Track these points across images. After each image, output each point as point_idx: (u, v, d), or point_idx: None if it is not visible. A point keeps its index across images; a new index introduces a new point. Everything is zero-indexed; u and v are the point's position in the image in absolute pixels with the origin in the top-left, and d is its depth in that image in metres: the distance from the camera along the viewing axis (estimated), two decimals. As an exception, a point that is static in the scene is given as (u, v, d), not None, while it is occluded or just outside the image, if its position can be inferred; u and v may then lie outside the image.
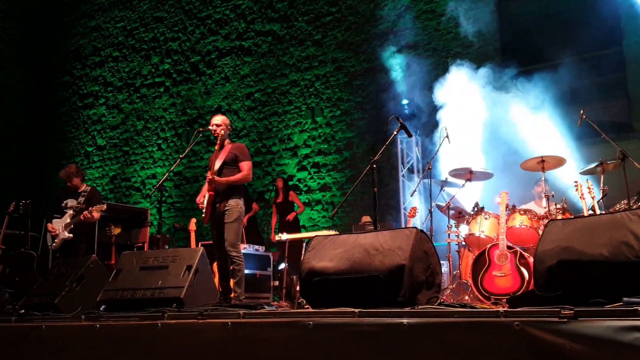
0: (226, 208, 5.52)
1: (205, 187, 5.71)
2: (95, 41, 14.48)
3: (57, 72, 15.02)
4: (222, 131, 5.77)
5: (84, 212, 6.46)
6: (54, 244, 6.60)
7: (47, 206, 7.19)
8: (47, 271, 5.84)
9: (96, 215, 6.59)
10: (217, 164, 5.60)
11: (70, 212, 6.61)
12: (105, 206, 6.64)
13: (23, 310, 4.48)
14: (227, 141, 5.83)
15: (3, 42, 14.21)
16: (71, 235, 6.52)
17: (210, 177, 5.49)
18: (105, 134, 13.77)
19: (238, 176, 5.60)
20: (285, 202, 9.31)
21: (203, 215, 5.58)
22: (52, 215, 6.75)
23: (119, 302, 4.45)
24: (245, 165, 5.66)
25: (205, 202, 5.53)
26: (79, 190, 6.81)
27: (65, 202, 6.74)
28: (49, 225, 6.66)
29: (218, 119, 5.84)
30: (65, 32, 15.14)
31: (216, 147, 5.81)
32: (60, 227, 6.57)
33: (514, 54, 9.23)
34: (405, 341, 2.71)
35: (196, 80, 12.55)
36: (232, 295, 5.52)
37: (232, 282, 5.59)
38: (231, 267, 5.56)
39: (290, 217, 9.15)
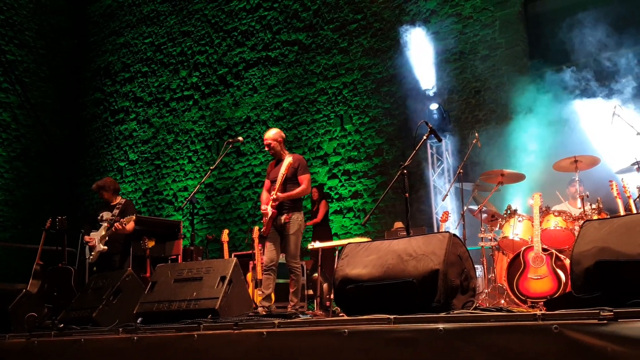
0: (288, 221, 5.67)
1: (263, 197, 5.89)
2: (124, 57, 14.77)
3: (88, 89, 15.37)
4: (275, 147, 5.87)
5: (115, 225, 6.57)
6: (91, 257, 6.73)
7: (85, 220, 7.33)
8: (85, 285, 5.94)
9: (129, 227, 6.69)
10: (279, 180, 5.70)
11: (105, 224, 6.73)
12: (134, 216, 6.74)
13: (62, 325, 4.56)
14: (285, 153, 5.93)
15: (36, 62, 14.60)
16: (106, 247, 6.64)
17: (274, 196, 5.63)
18: (137, 149, 14.00)
19: (297, 191, 5.75)
20: (316, 212, 9.35)
21: (264, 227, 5.75)
22: (90, 228, 6.89)
23: (155, 314, 4.50)
24: (305, 179, 5.80)
25: (268, 214, 5.66)
26: (114, 203, 6.94)
27: (101, 214, 6.88)
28: (86, 236, 6.79)
29: (269, 134, 5.97)
30: (95, 50, 15.49)
31: (275, 160, 5.98)
32: (96, 239, 6.70)
33: (541, 54, 9.12)
34: (442, 347, 2.68)
35: (224, 92, 12.69)
36: (289, 304, 5.75)
37: (290, 292, 5.78)
38: (290, 277, 5.75)
39: (319, 218, 9.18)
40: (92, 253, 6.72)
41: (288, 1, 12.03)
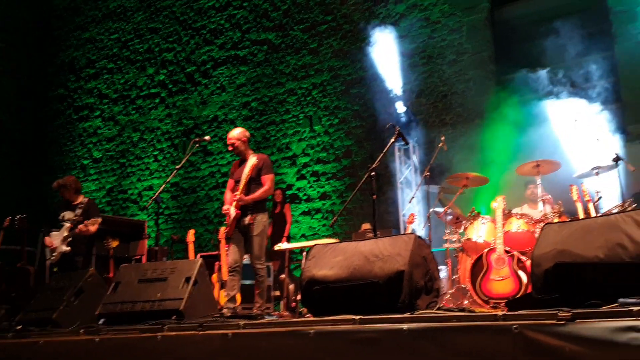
0: (252, 222, 5.60)
1: (227, 197, 5.78)
2: (89, 53, 14.52)
3: (52, 85, 15.05)
4: (239, 146, 5.80)
5: (79, 226, 6.44)
6: (53, 258, 6.57)
7: (45, 220, 7.16)
8: (45, 286, 5.82)
9: (92, 228, 6.55)
10: (243, 181, 5.63)
11: (68, 224, 6.57)
12: (100, 219, 6.63)
13: (20, 326, 4.47)
14: (250, 153, 5.85)
15: (-4, 55, 14.23)
16: (69, 248, 6.49)
17: (238, 197, 5.55)
18: (102, 147, 13.77)
19: (260, 192, 5.66)
20: (280, 215, 9.32)
21: (227, 227, 5.66)
22: (50, 228, 6.73)
23: (118, 315, 4.45)
24: (268, 179, 5.71)
25: (232, 215, 5.58)
26: (76, 203, 6.77)
27: (62, 214, 6.70)
28: (47, 238, 6.61)
29: (233, 133, 5.85)
30: (59, 45, 15.18)
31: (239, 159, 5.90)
32: (58, 240, 6.54)
33: (507, 60, 9.29)
34: (406, 346, 2.72)
35: (192, 90, 12.59)
36: (254, 306, 5.69)
37: (255, 293, 5.73)
38: (256, 279, 5.69)
39: (286, 232, 9.17)
40: (54, 254, 6.56)
41: (258, 0, 12.00)
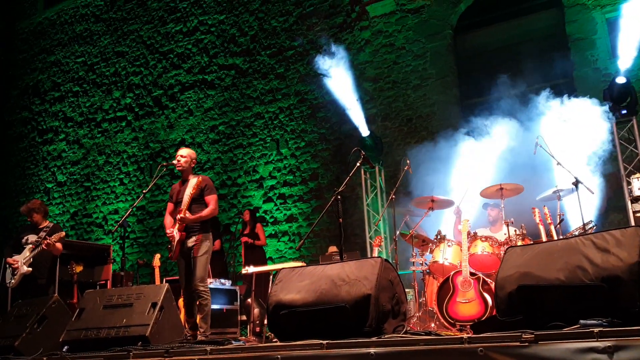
0: (195, 243, 5.51)
1: (167, 222, 5.69)
2: (54, 76, 14.36)
3: (15, 107, 14.82)
4: (187, 163, 5.76)
5: (44, 241, 6.31)
6: (13, 281, 6.40)
7: (7, 243, 6.99)
8: (7, 313, 5.68)
9: (58, 245, 6.44)
10: (186, 200, 5.56)
11: (30, 245, 6.46)
12: (64, 233, 6.55)
13: (-18, 354, 4.36)
14: (191, 175, 5.82)
15: (-41, 78, 13.98)
16: (30, 269, 6.35)
17: (181, 216, 5.46)
18: (66, 170, 13.56)
19: (206, 212, 5.60)
20: (251, 235, 9.26)
21: (170, 252, 5.54)
22: (11, 251, 6.58)
23: (82, 342, 4.38)
24: (212, 199, 5.66)
25: (176, 238, 5.49)
26: (41, 226, 6.68)
27: (25, 237, 6.58)
28: (8, 259, 6.46)
29: (184, 151, 5.85)
30: (23, 68, 14.99)
31: (180, 181, 5.82)
32: (20, 261, 6.41)
33: (470, 85, 9.52)
34: (373, 371, 2.74)
35: (159, 114, 12.53)
36: (198, 332, 5.45)
37: (198, 317, 5.51)
38: (197, 302, 5.49)
39: (244, 239, 9.06)
40: (14, 277, 6.41)
41: (225, 26, 12.08)
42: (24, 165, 14.28)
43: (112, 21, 13.73)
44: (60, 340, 4.46)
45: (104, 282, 8.73)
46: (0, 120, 14.83)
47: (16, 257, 6.46)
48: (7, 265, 6.55)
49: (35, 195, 13.72)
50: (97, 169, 13.08)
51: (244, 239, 9.08)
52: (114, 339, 4.25)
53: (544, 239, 5.91)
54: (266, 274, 7.60)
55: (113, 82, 13.34)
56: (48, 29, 14.85)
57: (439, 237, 6.48)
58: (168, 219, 5.72)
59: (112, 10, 13.80)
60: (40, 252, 6.38)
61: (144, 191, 6.23)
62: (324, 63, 10.03)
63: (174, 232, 5.50)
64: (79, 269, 7.56)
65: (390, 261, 4.59)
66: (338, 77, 9.92)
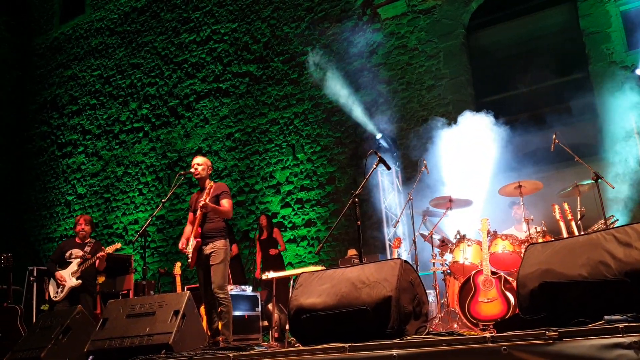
0: (212, 250, 5.52)
1: (186, 230, 5.73)
2: (72, 90, 14.55)
3: (34, 122, 15.04)
4: (204, 171, 5.80)
5: (98, 254, 6.47)
6: (58, 295, 6.52)
7: (49, 259, 7.11)
8: (32, 325, 5.76)
9: (104, 263, 6.62)
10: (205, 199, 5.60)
11: (78, 260, 6.61)
12: (120, 244, 6.83)
13: (9, 366, 4.42)
14: (207, 181, 5.85)
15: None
16: (80, 281, 6.49)
17: (203, 202, 5.46)
18: (86, 182, 13.72)
19: (224, 208, 5.60)
20: (269, 240, 9.29)
21: (189, 260, 5.57)
22: (54, 266, 6.70)
23: (107, 351, 4.41)
24: (227, 202, 5.69)
25: (190, 247, 5.53)
26: (87, 241, 6.82)
27: (69, 252, 6.73)
28: (57, 273, 6.56)
29: (199, 159, 5.88)
30: (41, 83, 15.21)
31: (198, 190, 5.86)
32: (67, 275, 6.53)
33: (485, 83, 9.47)
34: (396, 373, 2.73)
35: (175, 123, 12.63)
36: (220, 338, 5.46)
37: (220, 324, 5.49)
38: (219, 309, 5.49)
39: (272, 252, 9.11)
40: (59, 290, 6.53)
41: (238, 34, 12.15)
42: (45, 179, 14.47)
43: (126, 34, 13.88)
44: (85, 350, 4.50)
45: (126, 291, 8.80)
46: (20, 135, 15.04)
47: (62, 272, 6.58)
48: (52, 279, 6.67)
49: (57, 208, 13.90)
50: (116, 180, 13.21)
51: (273, 251, 9.10)
52: (137, 347, 4.28)
53: (565, 235, 5.85)
54: (285, 279, 7.61)
55: (129, 93, 13.48)
56: (64, 43, 15.05)
57: (458, 236, 6.44)
58: (188, 228, 5.76)
59: (126, 23, 13.96)
60: (87, 266, 6.54)
61: (162, 200, 6.27)
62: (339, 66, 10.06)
63: (187, 247, 5.54)
64: (101, 279, 7.64)
65: (410, 262, 4.57)
66: (353, 81, 9.94)
